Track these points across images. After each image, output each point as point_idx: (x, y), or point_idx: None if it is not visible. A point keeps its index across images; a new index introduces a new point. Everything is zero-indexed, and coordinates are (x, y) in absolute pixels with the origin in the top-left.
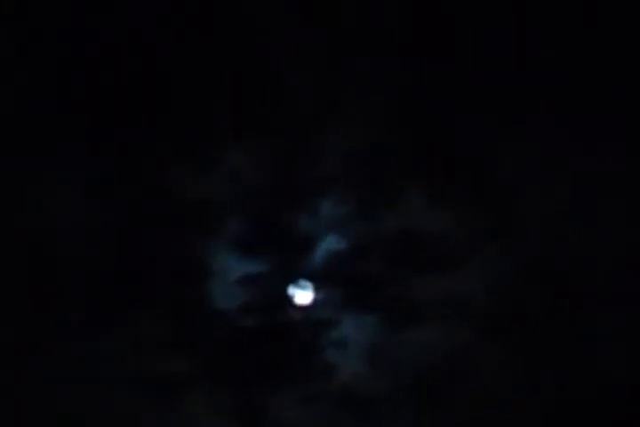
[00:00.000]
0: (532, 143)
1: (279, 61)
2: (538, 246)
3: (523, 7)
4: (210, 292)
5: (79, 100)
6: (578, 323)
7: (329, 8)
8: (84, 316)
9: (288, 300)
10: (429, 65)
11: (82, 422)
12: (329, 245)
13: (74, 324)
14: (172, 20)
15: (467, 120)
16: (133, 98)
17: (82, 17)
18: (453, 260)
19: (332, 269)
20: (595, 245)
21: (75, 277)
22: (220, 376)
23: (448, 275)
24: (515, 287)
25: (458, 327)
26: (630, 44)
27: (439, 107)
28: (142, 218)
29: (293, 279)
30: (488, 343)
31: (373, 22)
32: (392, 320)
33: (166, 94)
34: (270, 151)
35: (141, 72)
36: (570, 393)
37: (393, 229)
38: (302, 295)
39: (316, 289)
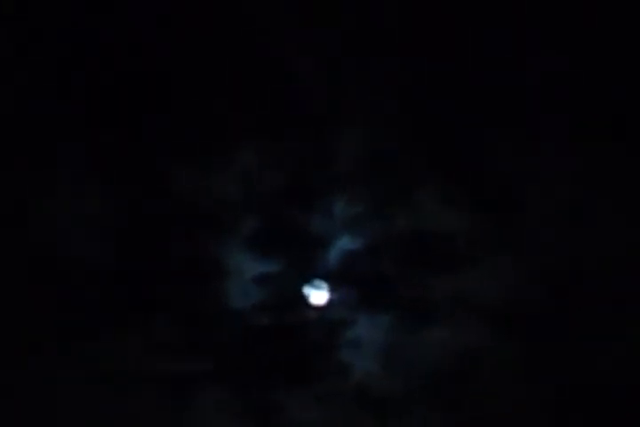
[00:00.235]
0: (533, 143)
1: (288, 61)
2: (551, 247)
3: (523, 7)
4: (225, 291)
5: (79, 100)
6: (592, 323)
7: (329, 8)
8: (98, 316)
9: (303, 299)
10: (429, 65)
11: (95, 421)
12: (343, 245)
13: (88, 324)
14: (172, 20)
15: (467, 120)
16: (142, 98)
17: (82, 17)
18: (467, 259)
19: (346, 269)
20: (608, 245)
21: (90, 278)
22: (235, 375)
23: (462, 275)
24: (528, 287)
25: (471, 327)
26: (630, 44)
27: (439, 107)
28: (157, 218)
29: (308, 279)
30: (501, 343)
31: (373, 22)
32: (406, 320)
33: (177, 94)
34: (284, 151)
35: (145, 72)
36: (584, 393)
37: (406, 229)
38: (317, 295)
39: (331, 289)
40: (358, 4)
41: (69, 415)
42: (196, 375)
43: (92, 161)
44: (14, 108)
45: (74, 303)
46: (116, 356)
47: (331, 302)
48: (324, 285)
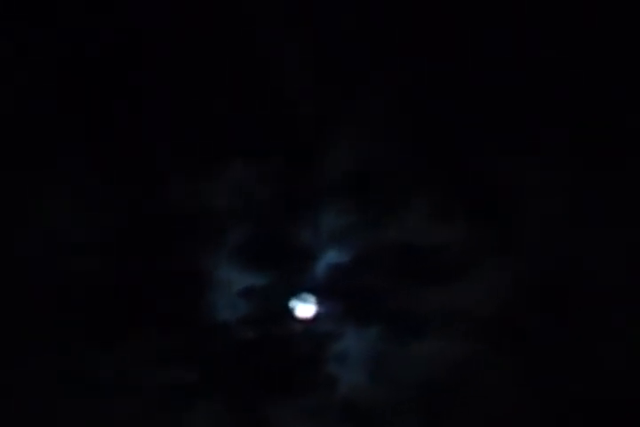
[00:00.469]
0: (532, 145)
1: (280, 67)
2: (538, 257)
3: (523, 7)
4: (211, 304)
5: (79, 100)
6: (581, 333)
7: (329, 8)
8: (84, 329)
9: (290, 312)
10: (429, 65)
11: None
12: (331, 257)
13: (73, 337)
14: (172, 20)
15: (467, 120)
16: (130, 105)
17: (82, 17)
18: (455, 271)
19: (333, 281)
20: (595, 255)
21: (74, 291)
22: (222, 389)
23: (450, 287)
24: (516, 298)
25: (460, 339)
26: (630, 44)
27: (439, 107)
28: (142, 229)
29: (295, 292)
30: (490, 355)
31: (373, 22)
32: (394, 333)
33: (166, 102)
34: (271, 163)
35: (141, 74)
36: (575, 405)
37: (394, 242)
38: (304, 308)
39: (318, 302)
40: (358, 4)
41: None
42: (183, 389)
43: (74, 169)
44: (14, 108)
45: (57, 316)
46: (101, 369)
47: (318, 315)
48: (311, 298)
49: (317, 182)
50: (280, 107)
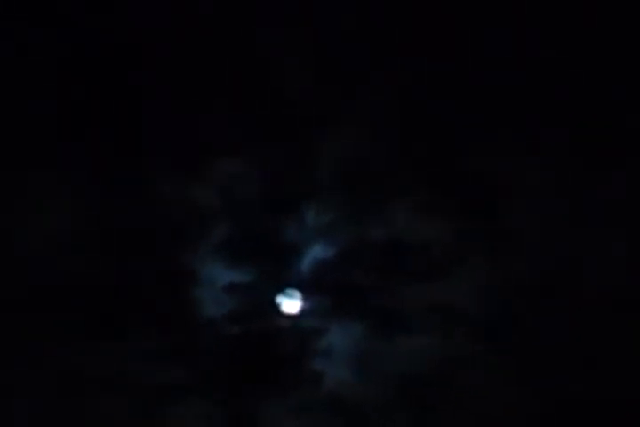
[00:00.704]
0: (532, 145)
1: (276, 68)
2: (524, 254)
3: (523, 7)
4: (197, 301)
5: (79, 100)
6: (567, 329)
7: (329, 8)
8: (70, 328)
9: (275, 308)
10: (429, 65)
11: None
12: (316, 253)
13: (60, 335)
14: (171, 20)
15: (467, 120)
16: (130, 104)
17: (82, 17)
18: (440, 268)
19: (319, 277)
20: (595, 254)
21: (59, 290)
22: (208, 385)
23: (435, 283)
24: (501, 295)
25: (444, 335)
26: (630, 44)
27: (439, 107)
28: (128, 229)
29: (281, 288)
30: (475, 351)
31: (373, 22)
32: (379, 328)
33: (158, 101)
34: (257, 160)
35: (141, 74)
36: (562, 400)
37: (380, 238)
38: (290, 304)
39: (304, 298)
40: (358, 4)
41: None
42: (169, 385)
43: (64, 170)
44: (14, 109)
45: (45, 315)
46: (88, 367)
47: (303, 311)
48: (297, 293)
49: (303, 178)
50: (279, 107)
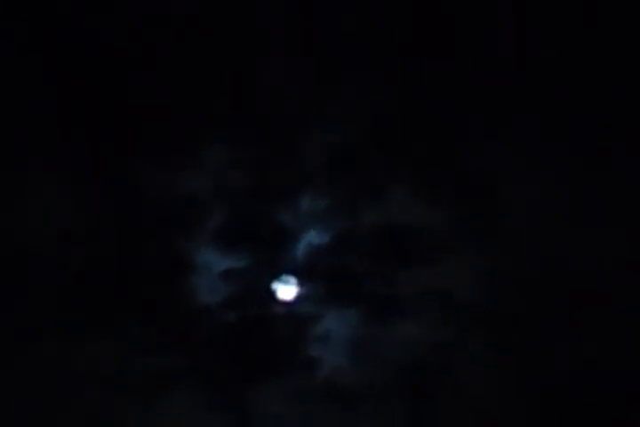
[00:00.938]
0: (532, 145)
1: (271, 60)
2: (520, 241)
3: (523, 7)
4: (193, 287)
5: (79, 99)
6: (561, 315)
7: (329, 8)
8: (67, 315)
9: (271, 295)
10: (429, 65)
11: (66, 420)
12: (311, 239)
13: (56, 324)
14: (171, 20)
15: (466, 120)
16: (122, 97)
17: (82, 17)
18: (435, 254)
19: (314, 263)
20: (595, 254)
21: (57, 277)
22: (204, 372)
23: (430, 269)
24: (497, 281)
25: (440, 321)
26: (630, 44)
27: (439, 107)
28: (124, 216)
29: (276, 274)
30: (471, 336)
31: (373, 22)
32: (375, 314)
33: (158, 93)
34: (252, 147)
35: (141, 72)
36: (554, 385)
37: (375, 224)
38: (285, 290)
39: (299, 284)
40: (358, 4)
41: (41, 414)
42: (166, 372)
43: (59, 161)
44: (14, 109)
45: (43, 303)
46: (86, 355)
47: (299, 297)
48: (293, 279)
49: (298, 164)
50: (264, 92)
